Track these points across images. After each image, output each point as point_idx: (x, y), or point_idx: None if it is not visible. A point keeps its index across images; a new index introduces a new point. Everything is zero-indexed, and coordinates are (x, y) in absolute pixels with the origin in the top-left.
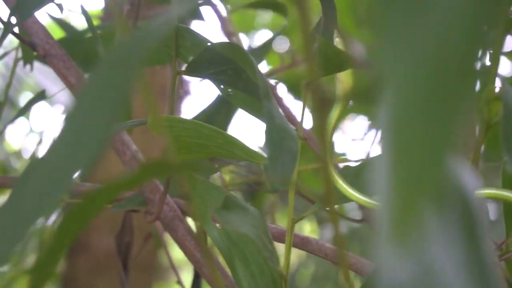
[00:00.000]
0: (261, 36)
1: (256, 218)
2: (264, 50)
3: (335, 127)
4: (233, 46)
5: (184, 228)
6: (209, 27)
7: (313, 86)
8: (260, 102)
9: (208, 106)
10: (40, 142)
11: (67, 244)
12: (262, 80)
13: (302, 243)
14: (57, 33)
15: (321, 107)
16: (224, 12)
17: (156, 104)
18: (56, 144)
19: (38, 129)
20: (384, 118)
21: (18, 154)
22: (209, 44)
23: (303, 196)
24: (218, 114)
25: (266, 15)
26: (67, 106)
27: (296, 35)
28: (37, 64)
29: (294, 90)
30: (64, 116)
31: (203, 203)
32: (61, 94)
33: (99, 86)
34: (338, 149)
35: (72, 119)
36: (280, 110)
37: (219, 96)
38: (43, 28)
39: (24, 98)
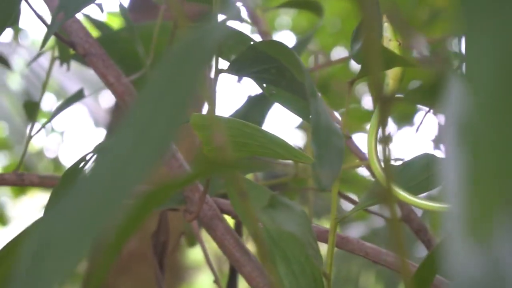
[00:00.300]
0: (282, 37)
1: (301, 217)
2: (300, 49)
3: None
4: (278, 44)
5: (224, 227)
6: (243, 27)
7: (375, 84)
8: (304, 101)
9: (240, 107)
10: (61, 142)
11: (122, 243)
12: (308, 78)
13: (342, 242)
14: (93, 33)
15: (383, 105)
16: (258, 12)
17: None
18: (123, 137)
19: (60, 129)
20: (459, 118)
21: (39, 153)
22: (252, 42)
23: (343, 197)
24: (251, 115)
25: (287, 16)
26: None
27: (323, 35)
28: (57, 64)
29: (322, 90)
30: (129, 110)
31: (248, 202)
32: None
33: (167, 80)
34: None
35: (138, 112)
36: (326, 108)
37: (250, 98)
38: (82, 27)
39: (46, 99)
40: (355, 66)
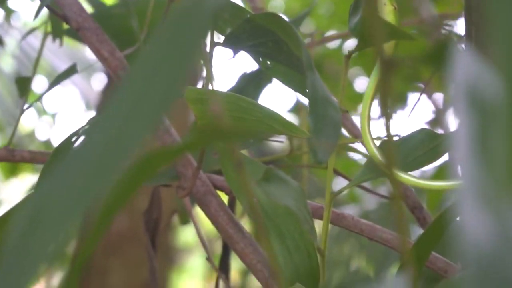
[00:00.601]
0: None
1: (296, 191)
2: (296, 25)
3: (373, 97)
4: (275, 17)
5: (217, 203)
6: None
7: (379, 51)
8: (301, 75)
9: (234, 84)
10: (53, 124)
11: (111, 218)
12: (305, 51)
13: (337, 218)
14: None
15: (386, 70)
16: None
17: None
18: (115, 110)
19: (51, 111)
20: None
21: (31, 135)
22: (248, 15)
23: (338, 173)
24: (245, 93)
25: None
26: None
27: (317, 18)
28: (49, 44)
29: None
30: (121, 83)
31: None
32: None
33: (162, 51)
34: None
35: (131, 85)
36: (322, 82)
37: (244, 75)
38: (76, 1)
39: (37, 81)
40: (348, 48)
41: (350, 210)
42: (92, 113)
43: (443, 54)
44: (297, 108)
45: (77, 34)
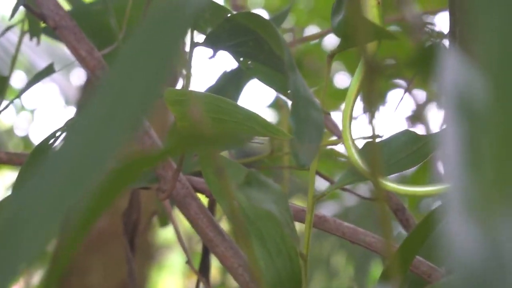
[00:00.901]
0: None
1: (278, 195)
2: (277, 23)
3: (356, 97)
4: (256, 16)
5: (197, 206)
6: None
7: (363, 53)
8: (282, 75)
9: (214, 83)
10: (32, 120)
11: (92, 222)
12: (287, 51)
13: (319, 221)
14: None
15: (371, 74)
16: None
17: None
18: (93, 111)
19: (30, 107)
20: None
21: (9, 132)
22: (229, 14)
23: (320, 175)
24: (226, 92)
25: None
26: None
27: (296, 13)
28: (26, 41)
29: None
30: (100, 83)
31: (225, 179)
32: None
33: (141, 51)
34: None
35: (110, 86)
36: (304, 83)
37: (224, 73)
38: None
39: (16, 77)
40: (328, 45)
41: (330, 207)
42: (72, 109)
43: (428, 57)
44: (277, 105)
45: (54, 32)
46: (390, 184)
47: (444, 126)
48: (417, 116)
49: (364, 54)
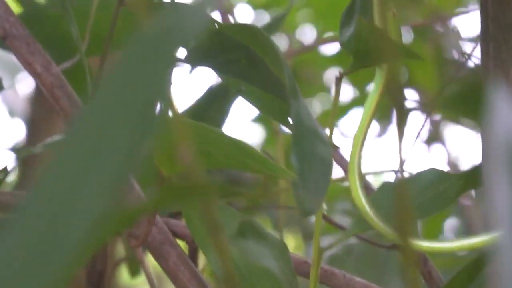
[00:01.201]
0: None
1: (277, 248)
2: (271, 32)
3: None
4: (250, 29)
5: (177, 255)
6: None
7: (394, 89)
8: (282, 101)
9: (198, 101)
10: None
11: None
12: (288, 72)
13: (325, 275)
14: (16, 10)
15: (402, 113)
16: None
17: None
18: (64, 170)
19: None
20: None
21: None
22: (216, 25)
23: (329, 222)
24: (209, 111)
25: None
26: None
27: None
28: None
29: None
30: (78, 122)
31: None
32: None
33: (127, 86)
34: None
35: (85, 134)
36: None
37: (210, 89)
38: (2, 2)
39: None
40: (325, 51)
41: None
42: (18, 122)
43: (471, 93)
44: (264, 119)
45: (3, 42)
46: (425, 243)
47: (491, 178)
48: (434, 136)
49: (394, 90)
